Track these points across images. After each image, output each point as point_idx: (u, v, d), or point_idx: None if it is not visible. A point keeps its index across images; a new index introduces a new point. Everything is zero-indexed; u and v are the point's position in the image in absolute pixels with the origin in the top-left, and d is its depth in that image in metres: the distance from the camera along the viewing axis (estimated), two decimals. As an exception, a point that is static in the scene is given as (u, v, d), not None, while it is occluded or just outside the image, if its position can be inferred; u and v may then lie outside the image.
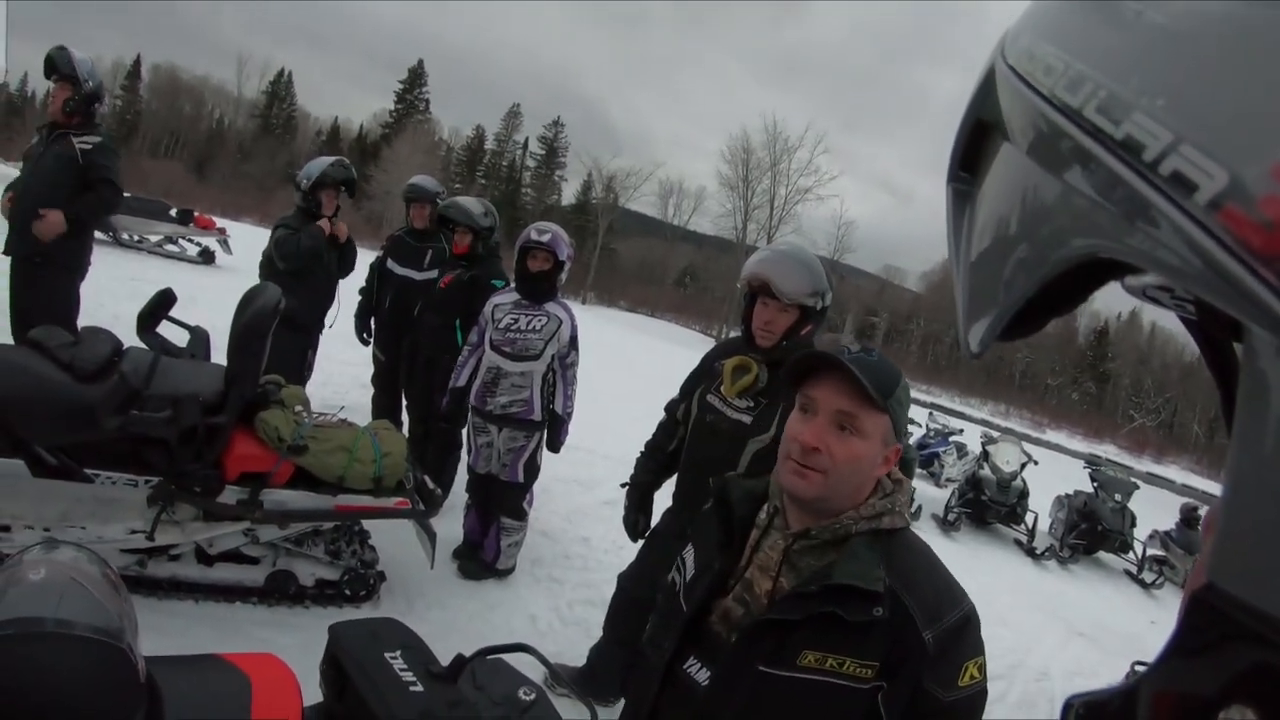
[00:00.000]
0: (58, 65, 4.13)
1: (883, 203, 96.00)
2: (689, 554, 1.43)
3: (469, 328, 4.34)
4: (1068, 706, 0.37)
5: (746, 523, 1.36)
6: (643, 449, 3.02)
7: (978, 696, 1.19)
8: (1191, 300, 0.35)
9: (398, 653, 1.60)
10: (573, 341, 3.90)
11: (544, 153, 58.58)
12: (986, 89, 0.41)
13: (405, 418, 4.96)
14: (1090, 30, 0.35)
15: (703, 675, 1.28)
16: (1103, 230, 0.32)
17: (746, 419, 2.49)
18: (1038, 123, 0.36)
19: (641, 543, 3.02)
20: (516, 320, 3.88)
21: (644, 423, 3.33)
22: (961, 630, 1.19)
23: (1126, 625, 6.84)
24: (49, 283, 4.13)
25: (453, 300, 4.51)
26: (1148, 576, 8.82)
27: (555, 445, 3.99)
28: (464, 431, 4.52)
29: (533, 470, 3.96)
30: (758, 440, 2.45)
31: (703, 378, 2.75)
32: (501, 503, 3.96)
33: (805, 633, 1.18)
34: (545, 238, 3.89)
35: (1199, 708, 0.29)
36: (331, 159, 4.77)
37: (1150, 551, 9.21)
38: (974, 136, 0.43)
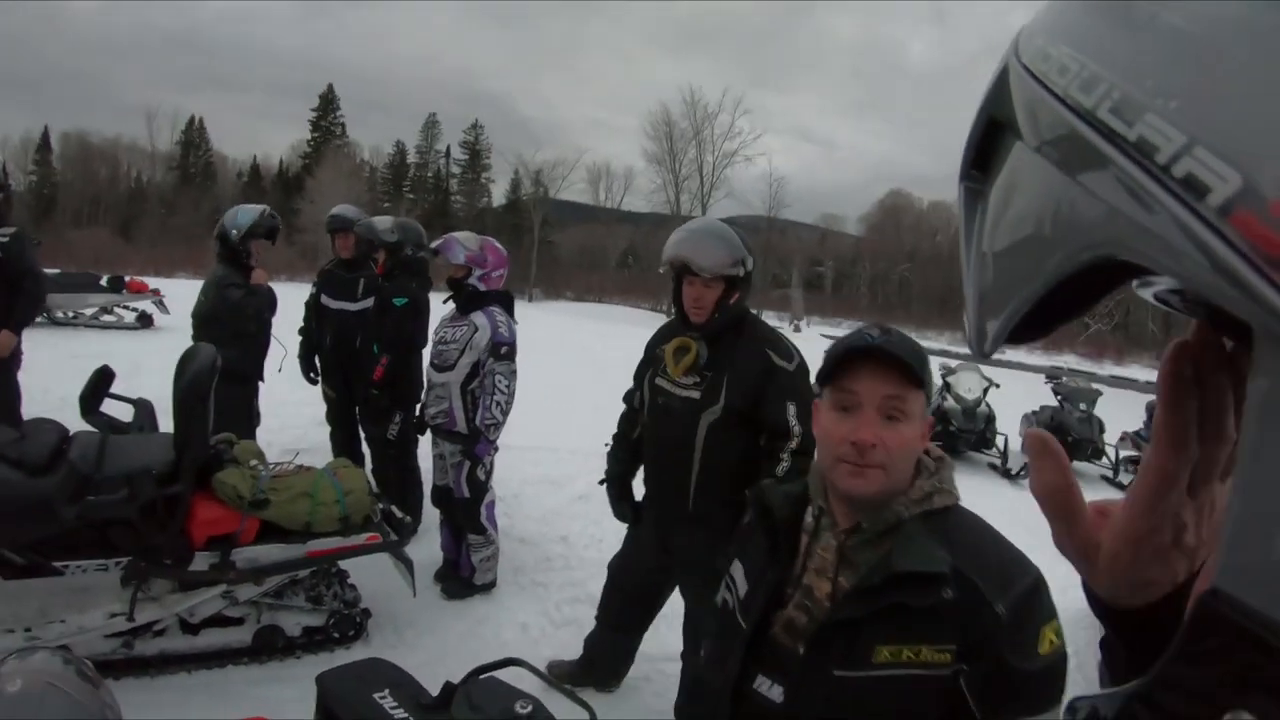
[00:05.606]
0: None
1: (808, 154, 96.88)
2: (737, 570, 1.36)
3: (384, 350, 4.40)
4: (1072, 708, 0.37)
5: (792, 528, 1.31)
6: (609, 443, 3.08)
7: (1060, 662, 1.15)
8: (1203, 304, 0.36)
9: (385, 691, 1.65)
10: (494, 349, 3.78)
11: (467, 157, 58.04)
12: (1000, 87, 0.41)
13: (366, 450, 4.95)
14: (1105, 31, 0.35)
15: (775, 692, 1.23)
16: (1114, 232, 0.32)
17: (696, 394, 2.57)
18: (1051, 122, 0.36)
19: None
20: (443, 333, 3.94)
21: (608, 411, 3.34)
22: (1033, 595, 1.15)
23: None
24: None
25: (374, 325, 4.58)
26: (1125, 479, 8.80)
27: (471, 456, 3.84)
28: (417, 452, 4.54)
29: (476, 486, 3.88)
30: (710, 413, 2.54)
31: (649, 364, 2.83)
32: (460, 518, 3.97)
33: (875, 628, 1.15)
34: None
35: (1202, 713, 0.28)
36: (260, 208, 4.70)
37: (1123, 453, 9.17)
38: (986, 135, 0.43)
